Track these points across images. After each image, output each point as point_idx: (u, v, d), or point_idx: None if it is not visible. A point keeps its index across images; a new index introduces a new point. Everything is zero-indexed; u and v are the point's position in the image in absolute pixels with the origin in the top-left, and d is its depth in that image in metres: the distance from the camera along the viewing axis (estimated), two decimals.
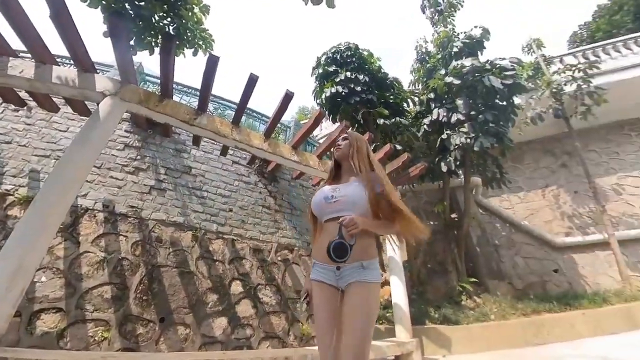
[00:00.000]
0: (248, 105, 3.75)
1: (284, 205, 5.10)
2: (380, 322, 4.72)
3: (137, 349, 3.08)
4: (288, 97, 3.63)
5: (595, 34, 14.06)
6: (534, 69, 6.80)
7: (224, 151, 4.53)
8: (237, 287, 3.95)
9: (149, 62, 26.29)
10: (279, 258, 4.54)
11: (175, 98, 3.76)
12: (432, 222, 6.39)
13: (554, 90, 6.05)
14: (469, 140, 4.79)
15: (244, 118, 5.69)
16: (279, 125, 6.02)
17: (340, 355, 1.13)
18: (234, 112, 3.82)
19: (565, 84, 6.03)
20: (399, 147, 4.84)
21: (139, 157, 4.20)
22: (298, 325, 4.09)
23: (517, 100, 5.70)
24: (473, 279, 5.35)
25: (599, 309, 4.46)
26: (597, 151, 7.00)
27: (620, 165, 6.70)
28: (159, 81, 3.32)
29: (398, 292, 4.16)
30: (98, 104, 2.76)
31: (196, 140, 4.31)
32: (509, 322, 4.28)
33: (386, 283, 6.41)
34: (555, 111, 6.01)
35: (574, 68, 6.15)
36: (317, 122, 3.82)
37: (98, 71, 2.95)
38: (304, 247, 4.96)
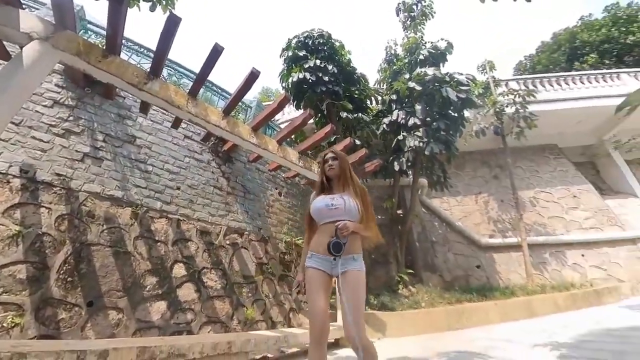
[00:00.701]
0: (208, 78, 3.48)
1: (238, 188, 4.91)
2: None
3: (58, 336, 2.73)
4: (254, 76, 3.45)
5: (536, 65, 16.11)
6: (484, 88, 7.57)
7: (176, 123, 4.16)
8: (179, 270, 3.72)
9: (93, 7, 22.31)
10: (228, 242, 4.39)
11: (123, 56, 3.30)
12: (380, 217, 6.78)
13: (497, 110, 6.84)
14: (421, 144, 5.14)
15: (202, 91, 5.29)
16: (239, 104, 5.71)
17: (346, 324, 1.54)
18: (191, 83, 3.50)
19: (506, 106, 6.88)
20: (358, 142, 4.96)
21: (71, 117, 3.61)
22: (242, 310, 4.04)
23: (466, 113, 6.31)
24: (410, 271, 5.87)
25: (507, 300, 5.29)
26: (522, 168, 8.23)
27: (537, 181, 8.00)
28: (104, 33, 2.87)
29: None
30: (22, 48, 2.29)
31: (144, 108, 3.87)
32: (436, 309, 4.83)
33: None
34: (496, 128, 6.83)
35: (515, 93, 7.02)
36: (281, 106, 3.72)
37: (25, 7, 2.43)
38: (254, 232, 4.86)
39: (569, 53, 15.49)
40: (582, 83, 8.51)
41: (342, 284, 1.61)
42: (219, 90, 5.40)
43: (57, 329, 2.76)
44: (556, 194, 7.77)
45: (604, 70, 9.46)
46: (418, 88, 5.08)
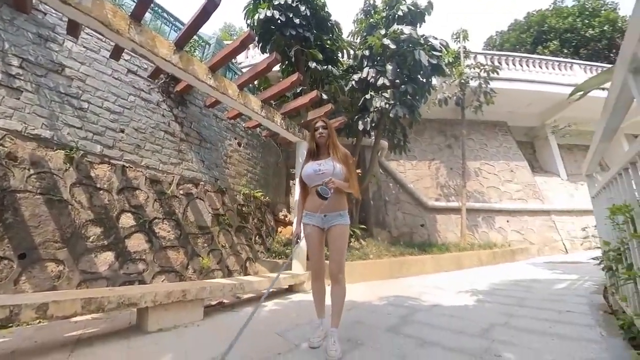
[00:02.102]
0: (158, 2, 2.92)
1: (192, 135, 4.54)
2: (280, 257, 5.15)
3: None
4: (213, 4, 2.95)
5: (505, 43, 16.37)
6: (455, 57, 7.56)
7: (115, 54, 3.53)
8: (127, 220, 3.51)
9: None
10: (181, 192, 4.18)
11: None
12: None
13: (462, 81, 6.99)
14: (388, 106, 5.13)
15: (149, 16, 4.46)
16: (195, 39, 5.00)
17: (331, 264, 2.04)
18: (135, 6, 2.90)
19: (471, 79, 7.04)
20: (325, 96, 4.77)
21: None
22: (198, 260, 4.06)
23: (434, 81, 6.35)
24: (362, 226, 6.30)
25: (442, 254, 6.06)
26: (474, 140, 8.86)
27: (484, 154, 8.75)
28: None
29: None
30: None
31: (72, 29, 3.18)
32: (382, 260, 5.36)
33: (289, 224, 6.92)
34: (458, 99, 7.07)
35: (482, 67, 7.18)
36: (244, 44, 3.33)
37: None
38: (210, 183, 4.68)
39: (536, 36, 15.98)
40: (540, 67, 9.03)
41: (329, 235, 2.04)
42: (172, 19, 4.57)
43: None
44: (497, 167, 8.65)
45: (561, 59, 10.07)
46: (392, 46, 4.87)
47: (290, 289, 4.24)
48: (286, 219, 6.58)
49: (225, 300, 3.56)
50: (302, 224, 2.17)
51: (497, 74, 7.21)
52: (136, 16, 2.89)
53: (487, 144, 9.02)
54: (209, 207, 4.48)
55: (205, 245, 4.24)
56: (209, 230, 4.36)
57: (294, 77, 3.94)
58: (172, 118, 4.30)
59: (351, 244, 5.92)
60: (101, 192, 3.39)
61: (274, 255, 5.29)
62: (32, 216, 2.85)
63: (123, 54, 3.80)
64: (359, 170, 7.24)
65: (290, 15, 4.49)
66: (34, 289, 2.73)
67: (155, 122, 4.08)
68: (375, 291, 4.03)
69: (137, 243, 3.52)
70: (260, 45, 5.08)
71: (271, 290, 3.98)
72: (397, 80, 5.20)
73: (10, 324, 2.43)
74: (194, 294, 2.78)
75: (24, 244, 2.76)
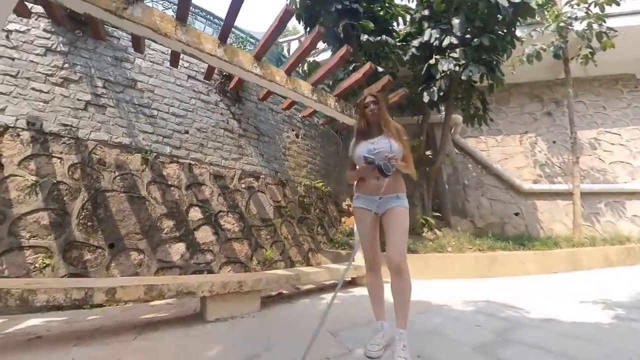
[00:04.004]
0: (201, 5, 3.00)
1: (250, 130, 4.64)
2: (343, 247, 4.88)
3: (87, 275, 2.95)
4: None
5: None
6: None
7: (174, 60, 3.78)
8: (195, 214, 3.76)
9: None
10: (243, 185, 4.31)
11: None
12: None
13: (562, 24, 5.27)
14: (457, 67, 4.28)
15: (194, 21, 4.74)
16: (241, 35, 5.12)
17: (391, 250, 1.71)
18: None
19: (575, 19, 5.22)
20: (380, 69, 4.25)
21: (66, 65, 3.42)
22: (261, 251, 4.11)
23: (519, 33, 5.04)
24: (437, 214, 5.51)
25: (549, 250, 4.80)
26: (585, 103, 6.76)
27: (603, 120, 6.59)
28: None
29: None
30: None
31: (137, 44, 3.51)
32: (464, 255, 4.54)
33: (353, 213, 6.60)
34: (557, 49, 5.35)
35: (591, 1, 5.24)
36: (282, 21, 3.14)
37: None
38: (271, 176, 4.72)
39: None
40: None
41: (387, 218, 1.79)
42: (215, 19, 4.76)
43: (84, 269, 2.96)
44: (625, 135, 6.37)
45: None
46: None
47: (353, 282, 3.93)
48: (350, 208, 6.26)
49: (284, 291, 3.48)
50: (354, 208, 1.97)
51: (618, 4, 5.21)
52: (180, 18, 3.00)
53: (605, 106, 6.72)
54: (270, 200, 4.52)
55: (268, 237, 4.28)
56: (271, 222, 4.39)
57: (342, 50, 3.59)
58: (230, 116, 4.48)
59: (423, 233, 5.23)
60: (172, 188, 3.70)
61: (336, 245, 5.05)
62: (118, 211, 3.27)
63: (182, 61, 4.11)
64: (429, 152, 6.42)
65: None
66: (121, 274, 3.11)
67: (215, 121, 4.29)
68: (457, 292, 3.36)
69: (204, 235, 3.74)
70: (308, 30, 4.88)
71: (337, 282, 3.74)
72: (468, 36, 4.29)
73: (89, 305, 2.75)
74: (250, 285, 2.73)
75: (112, 236, 3.18)
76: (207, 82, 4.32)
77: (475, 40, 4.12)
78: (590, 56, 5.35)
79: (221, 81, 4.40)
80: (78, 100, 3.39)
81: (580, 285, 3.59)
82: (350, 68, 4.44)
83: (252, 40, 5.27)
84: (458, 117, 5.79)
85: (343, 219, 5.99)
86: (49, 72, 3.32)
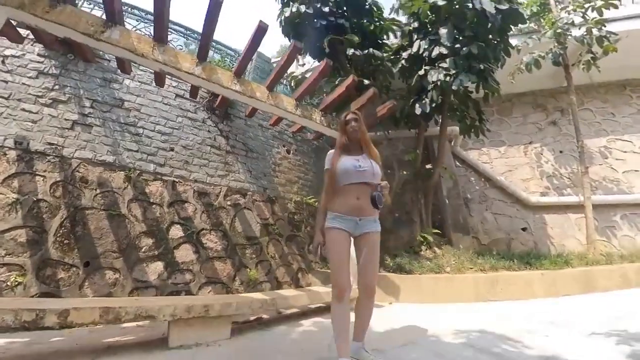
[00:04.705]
0: (184, 24, 3.09)
1: (238, 147, 4.63)
2: (328, 267, 4.64)
3: (58, 294, 2.90)
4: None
5: None
6: (541, 4, 5.70)
7: (158, 80, 3.87)
8: (176, 232, 3.70)
9: None
10: (229, 203, 4.24)
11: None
12: (404, 172, 6.04)
13: (559, 31, 5.07)
14: (448, 78, 4.14)
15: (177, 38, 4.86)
16: (231, 54, 5.22)
17: (366, 277, 1.77)
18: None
19: (573, 25, 5.02)
20: (366, 82, 4.17)
21: (57, 86, 3.56)
22: (245, 271, 3.97)
23: (513, 41, 4.88)
24: (436, 231, 5.21)
25: (559, 270, 4.38)
26: (592, 110, 6.42)
27: (612, 127, 6.21)
28: None
29: None
30: None
31: (122, 65, 3.62)
32: (462, 275, 4.21)
33: None
34: (556, 56, 5.12)
35: (588, 5, 5.05)
36: (256, 39, 3.16)
37: None
38: (259, 192, 4.63)
39: None
40: None
41: (362, 243, 1.78)
42: (184, 30, 4.86)
43: (57, 287, 2.92)
44: (638, 141, 5.93)
45: None
46: (442, 2, 3.93)
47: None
48: None
49: (264, 316, 3.30)
50: (327, 229, 1.81)
51: (617, 8, 4.94)
52: (158, 39, 3.07)
53: (614, 112, 6.33)
54: (257, 217, 4.42)
55: (254, 256, 4.15)
56: (257, 240, 4.27)
57: (321, 65, 3.57)
58: (218, 132, 4.49)
59: (421, 252, 4.94)
60: (154, 206, 3.67)
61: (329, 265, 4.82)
62: (96, 229, 3.25)
63: (170, 80, 4.20)
64: (429, 165, 6.19)
65: (318, 5, 4.18)
66: (94, 294, 3.04)
67: (202, 138, 4.31)
68: (450, 319, 3.05)
69: (185, 254, 3.65)
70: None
71: (321, 306, 3.53)
72: (458, 45, 4.17)
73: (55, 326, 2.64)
74: (218, 310, 2.58)
75: (88, 254, 3.14)
76: (193, 99, 4.38)
77: (465, 49, 3.99)
78: (592, 62, 5.10)
79: (209, 99, 4.45)
80: (65, 119, 3.48)
81: (593, 311, 3.18)
82: (336, 82, 4.39)
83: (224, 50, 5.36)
84: (456, 129, 5.59)
85: None
86: (40, 94, 3.44)
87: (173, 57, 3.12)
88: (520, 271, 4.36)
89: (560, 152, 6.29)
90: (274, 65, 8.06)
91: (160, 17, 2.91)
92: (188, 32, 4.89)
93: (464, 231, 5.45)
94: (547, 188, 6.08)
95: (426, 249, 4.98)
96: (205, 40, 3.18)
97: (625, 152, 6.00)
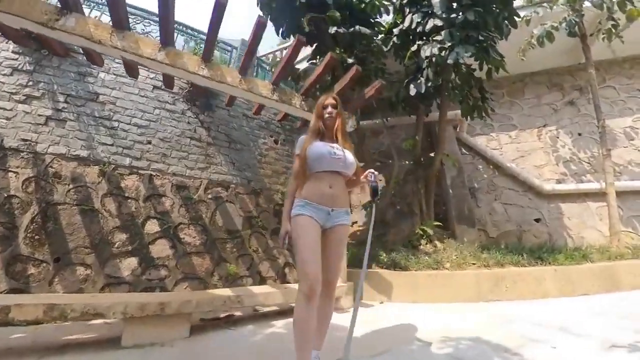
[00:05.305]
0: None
1: (220, 138, 4.45)
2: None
3: (28, 290, 2.87)
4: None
5: None
6: None
7: (129, 70, 3.74)
8: (152, 227, 3.59)
9: None
10: (210, 196, 4.08)
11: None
12: (406, 162, 5.63)
13: None
14: (443, 52, 3.71)
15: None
16: (217, 43, 5.01)
17: (329, 273, 1.62)
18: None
19: None
20: (350, 59, 3.83)
21: (31, 82, 3.51)
22: (225, 266, 3.81)
23: (522, 13, 4.30)
24: (437, 223, 4.80)
25: (575, 265, 3.87)
26: (615, 88, 5.65)
27: (639, 105, 5.39)
28: None
29: None
30: None
31: (91, 58, 3.52)
32: (462, 272, 3.82)
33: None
34: (571, 26, 4.44)
35: None
36: (218, 19, 2.95)
37: None
38: (243, 185, 4.45)
39: None
40: None
41: (334, 235, 1.64)
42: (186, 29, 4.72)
43: (26, 283, 2.88)
44: None
45: None
46: None
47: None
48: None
49: (237, 313, 3.12)
50: (295, 217, 1.61)
51: None
52: (118, 24, 2.92)
53: None
54: (240, 210, 4.24)
55: (234, 250, 3.98)
56: (239, 234, 4.10)
57: (294, 40, 3.31)
58: (198, 124, 4.33)
59: (421, 246, 4.55)
60: (129, 200, 3.58)
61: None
62: (68, 225, 3.19)
63: (147, 72, 4.08)
64: (432, 154, 5.73)
65: None
66: (64, 290, 2.98)
67: (181, 130, 4.17)
68: (443, 322, 2.72)
69: (160, 249, 3.54)
70: (280, 31, 4.64)
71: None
72: (454, 15, 3.72)
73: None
74: (175, 308, 2.43)
75: (60, 250, 3.08)
76: (174, 91, 4.23)
77: (460, 17, 3.54)
78: (613, 30, 4.38)
79: (189, 89, 4.29)
80: (39, 115, 3.44)
81: (615, 315, 2.67)
82: (315, 60, 4.09)
83: (226, 46, 5.17)
84: (458, 112, 5.09)
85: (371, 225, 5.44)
86: (14, 91, 3.41)
87: (134, 42, 2.95)
88: (531, 267, 3.89)
89: (579, 134, 5.61)
90: (264, 55, 7.83)
91: (115, 1, 2.75)
92: (151, 15, 4.70)
93: (469, 223, 5.00)
94: (563, 175, 5.44)
95: (426, 243, 4.60)
96: (165, 23, 2.99)
97: None
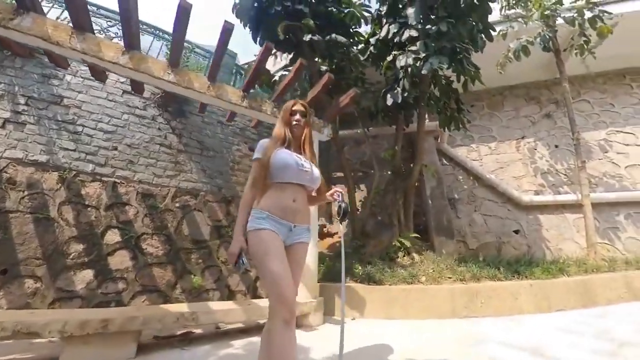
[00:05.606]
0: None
1: (192, 145, 4.33)
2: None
3: None
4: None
5: None
6: None
7: (94, 74, 3.61)
8: (113, 237, 3.41)
9: None
10: (177, 204, 3.93)
11: None
12: (387, 172, 5.57)
13: (547, 12, 4.49)
14: (418, 62, 3.69)
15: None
16: (195, 51, 4.96)
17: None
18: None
19: (560, 3, 4.44)
20: (324, 68, 3.79)
21: None
22: (189, 278, 3.64)
23: (499, 28, 4.36)
24: (414, 235, 4.70)
25: (551, 279, 3.79)
26: (589, 102, 5.80)
27: (612, 118, 5.57)
28: None
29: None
30: None
31: (55, 59, 3.39)
32: (437, 287, 3.70)
33: (326, 235, 5.92)
34: (545, 41, 4.52)
35: None
36: (182, 21, 2.88)
37: None
38: (213, 192, 4.30)
39: None
40: None
41: (294, 254, 1.49)
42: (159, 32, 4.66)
43: None
44: None
45: None
46: None
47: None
48: (324, 229, 5.64)
49: (196, 330, 2.94)
50: (255, 231, 1.40)
51: None
52: (79, 26, 2.82)
53: (613, 103, 5.68)
54: (208, 219, 4.09)
55: (200, 261, 3.81)
56: (206, 244, 3.93)
57: (264, 46, 3.27)
58: (169, 130, 4.21)
59: (398, 259, 4.45)
60: (89, 209, 3.41)
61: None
62: (19, 234, 3.00)
63: (117, 75, 3.96)
64: (412, 164, 5.69)
65: None
66: (9, 305, 2.78)
67: (150, 136, 4.04)
68: (410, 344, 2.56)
69: (120, 260, 3.36)
70: (257, 39, 4.59)
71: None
72: (429, 26, 3.72)
73: None
74: (119, 325, 2.26)
75: (8, 260, 2.88)
76: (145, 97, 4.12)
77: (434, 27, 3.53)
78: (585, 45, 4.49)
79: (161, 95, 4.18)
80: None
81: (591, 334, 2.53)
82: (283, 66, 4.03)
83: (202, 53, 5.11)
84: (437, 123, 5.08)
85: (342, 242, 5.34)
86: None
87: (95, 45, 2.86)
88: (507, 281, 3.80)
89: (556, 146, 5.66)
90: (246, 63, 7.80)
91: (73, 2, 2.66)
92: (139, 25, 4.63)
93: (448, 234, 4.92)
94: (541, 186, 5.45)
95: (403, 256, 4.49)
96: (127, 26, 2.90)
97: (627, 145, 5.33)
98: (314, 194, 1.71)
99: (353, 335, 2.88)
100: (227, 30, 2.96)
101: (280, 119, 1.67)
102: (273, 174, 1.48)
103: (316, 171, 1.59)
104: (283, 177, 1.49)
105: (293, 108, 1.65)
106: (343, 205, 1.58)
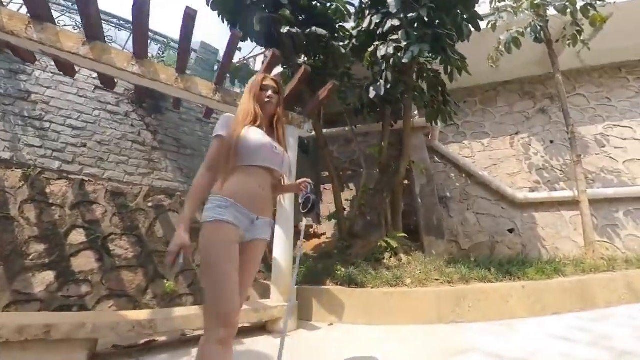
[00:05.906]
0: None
1: (168, 142, 4.18)
2: (265, 278, 4.00)
3: None
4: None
5: None
6: None
7: (61, 68, 3.48)
8: (77, 237, 3.24)
9: None
10: (150, 204, 3.76)
11: None
12: (376, 170, 5.37)
13: (537, 1, 4.30)
14: (400, 52, 3.51)
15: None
16: (171, 45, 4.82)
17: (242, 292, 1.24)
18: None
19: None
20: (301, 59, 3.63)
21: None
22: (161, 283, 3.45)
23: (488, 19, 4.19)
24: (402, 235, 4.48)
25: (545, 280, 3.55)
26: (585, 96, 5.60)
27: (609, 112, 5.37)
28: None
29: (279, 246, 3.39)
30: None
31: (21, 54, 3.27)
32: (422, 290, 3.46)
33: (315, 236, 5.72)
34: (536, 31, 4.33)
35: None
36: (141, 11, 2.73)
37: None
38: None
39: None
40: None
41: (251, 251, 1.31)
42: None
43: None
44: (639, 127, 5.05)
45: None
46: None
47: (263, 328, 3.08)
48: (312, 230, 5.45)
49: (159, 338, 2.75)
50: (215, 222, 1.18)
51: None
52: (36, 16, 2.70)
53: (609, 96, 5.48)
54: None
55: (174, 270, 3.62)
56: None
57: (232, 35, 3.12)
58: (143, 127, 4.07)
59: (384, 260, 4.22)
60: (53, 207, 3.25)
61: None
62: None
63: (89, 71, 3.83)
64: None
65: None
66: None
67: (122, 133, 3.89)
68: (387, 355, 2.35)
69: (84, 262, 3.19)
70: (230, 28, 4.44)
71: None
72: (410, 14, 3.54)
73: None
74: (65, 332, 2.08)
75: None
76: (118, 92, 3.98)
77: (414, 13, 3.36)
78: (578, 35, 4.27)
79: (135, 91, 4.04)
80: None
81: (587, 342, 2.29)
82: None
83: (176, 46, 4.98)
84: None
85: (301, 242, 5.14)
86: None
87: (53, 35, 2.73)
88: (498, 283, 3.56)
89: (551, 142, 5.43)
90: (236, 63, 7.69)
91: None
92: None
93: (438, 234, 4.69)
94: (536, 183, 5.21)
95: (390, 257, 4.27)
96: (87, 12, 2.76)
97: (625, 139, 5.11)
98: (282, 182, 1.55)
99: (325, 343, 2.70)
100: (188, 17, 2.81)
101: (248, 93, 1.44)
102: (243, 155, 1.27)
103: (287, 158, 1.46)
104: (254, 160, 1.30)
105: (264, 83, 1.45)
106: (312, 197, 1.48)
